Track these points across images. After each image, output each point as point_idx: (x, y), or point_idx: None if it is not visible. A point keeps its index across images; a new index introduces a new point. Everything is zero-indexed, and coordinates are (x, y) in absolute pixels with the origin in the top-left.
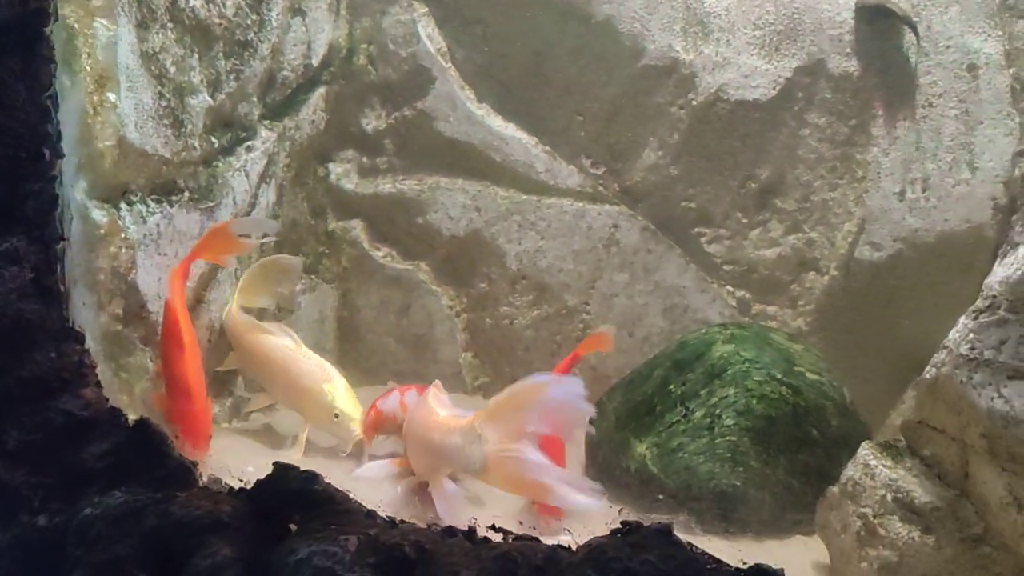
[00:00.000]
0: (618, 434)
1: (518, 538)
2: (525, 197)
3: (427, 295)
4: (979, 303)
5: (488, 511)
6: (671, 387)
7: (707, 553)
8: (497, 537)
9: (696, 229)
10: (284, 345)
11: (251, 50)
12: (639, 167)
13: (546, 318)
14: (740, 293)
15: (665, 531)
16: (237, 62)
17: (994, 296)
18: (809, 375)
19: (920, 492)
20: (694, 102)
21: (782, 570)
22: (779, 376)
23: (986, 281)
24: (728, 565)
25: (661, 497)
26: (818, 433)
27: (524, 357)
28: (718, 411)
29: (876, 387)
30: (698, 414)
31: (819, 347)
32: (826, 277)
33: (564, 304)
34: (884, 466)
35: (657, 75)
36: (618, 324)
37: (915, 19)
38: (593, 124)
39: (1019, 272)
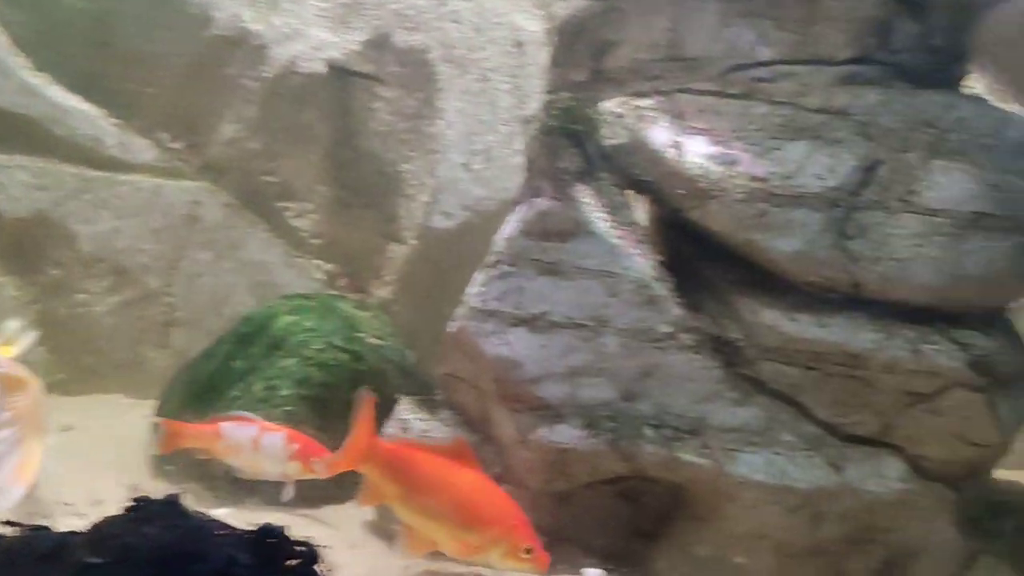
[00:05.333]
0: (184, 414)
1: (32, 528)
2: (96, 174)
3: None
4: (488, 258)
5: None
6: (235, 362)
7: (216, 520)
8: (7, 530)
9: (280, 203)
10: None
11: None
12: (218, 141)
13: (127, 303)
14: (328, 266)
15: (171, 502)
16: None
17: (499, 252)
18: (371, 340)
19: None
20: (266, 74)
21: (283, 528)
22: (339, 343)
23: (494, 238)
24: (237, 529)
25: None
26: (379, 395)
27: (106, 347)
28: (275, 382)
29: None
30: (257, 387)
31: (404, 314)
32: (406, 247)
33: (146, 287)
34: (419, 419)
35: (227, 46)
36: (205, 304)
37: None
38: (166, 96)
39: (515, 229)
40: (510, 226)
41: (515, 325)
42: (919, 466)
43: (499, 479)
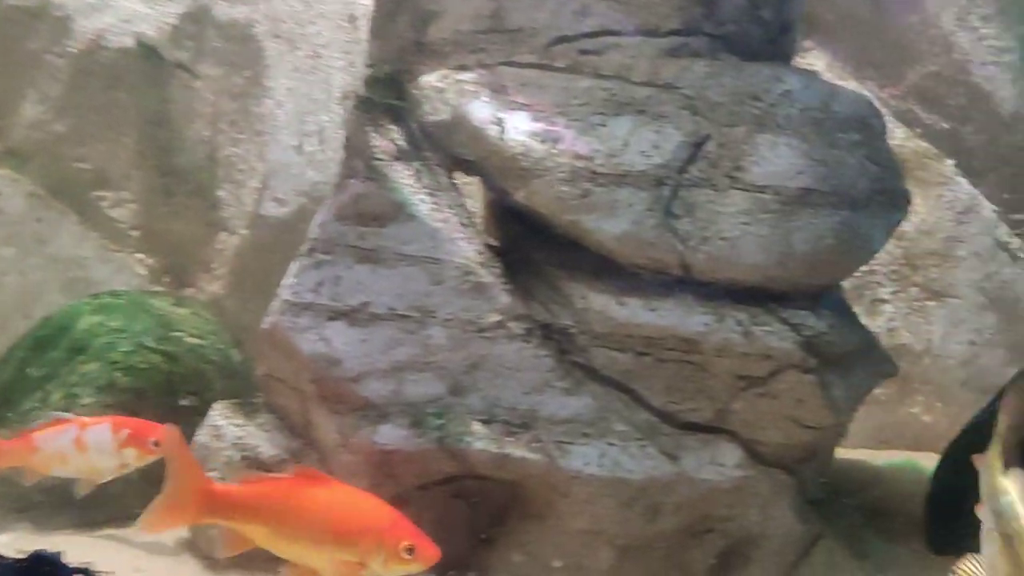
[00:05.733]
0: None
1: None
2: None
3: None
4: (302, 247)
5: None
6: (31, 369)
7: None
8: None
9: (95, 193)
10: None
11: None
12: (19, 124)
13: None
14: (150, 260)
15: None
16: None
17: (313, 239)
18: (189, 340)
19: (267, 446)
20: (72, 49)
21: (59, 552)
22: (150, 344)
23: (311, 224)
24: (6, 558)
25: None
26: (198, 399)
27: None
28: (76, 390)
29: None
30: (56, 395)
31: (236, 309)
32: (236, 237)
33: None
34: (234, 425)
35: (26, 18)
36: (10, 306)
37: None
38: None
39: (328, 213)
40: (324, 211)
41: (332, 319)
42: (755, 451)
43: None
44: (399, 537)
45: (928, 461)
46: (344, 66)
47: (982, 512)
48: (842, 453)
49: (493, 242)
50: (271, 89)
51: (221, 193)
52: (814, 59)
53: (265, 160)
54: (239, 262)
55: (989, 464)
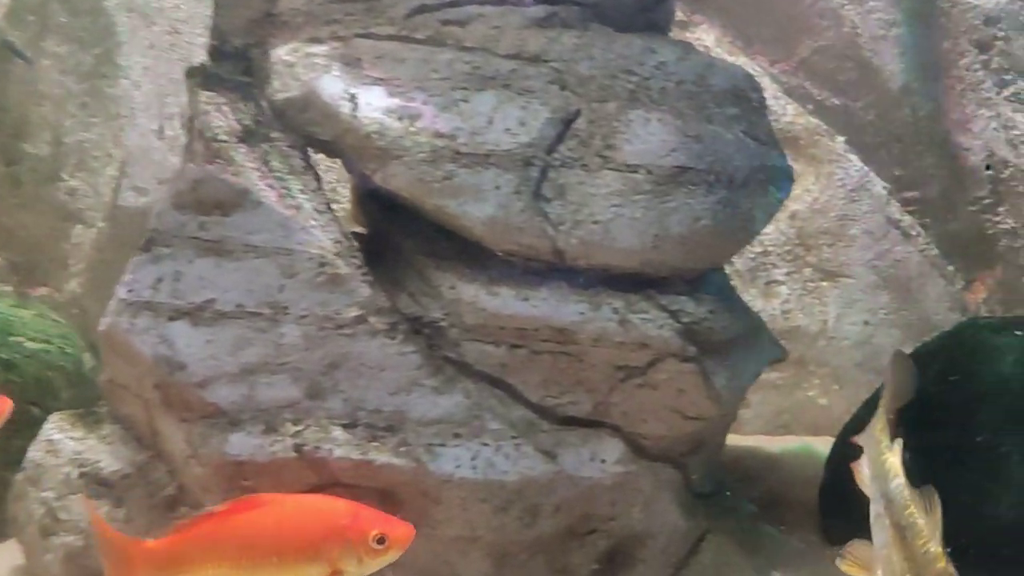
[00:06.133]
0: None
1: None
2: None
3: None
4: (140, 239)
5: None
6: None
7: None
8: None
9: None
10: None
11: None
12: None
13: None
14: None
15: None
16: None
17: (151, 230)
18: (30, 344)
19: (110, 461)
20: None
21: None
22: None
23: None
24: None
25: None
26: (40, 410)
27: None
28: None
29: None
30: None
31: (96, 309)
32: (93, 230)
33: None
34: (72, 438)
35: None
36: None
37: None
38: None
39: (166, 201)
40: (161, 199)
41: (174, 318)
42: (638, 445)
43: (174, 501)
44: (364, 530)
45: (826, 446)
46: (206, 42)
47: (867, 488)
48: (737, 441)
49: (360, 230)
50: (125, 68)
51: (74, 183)
52: (703, 34)
53: (122, 146)
54: (97, 257)
55: (875, 438)
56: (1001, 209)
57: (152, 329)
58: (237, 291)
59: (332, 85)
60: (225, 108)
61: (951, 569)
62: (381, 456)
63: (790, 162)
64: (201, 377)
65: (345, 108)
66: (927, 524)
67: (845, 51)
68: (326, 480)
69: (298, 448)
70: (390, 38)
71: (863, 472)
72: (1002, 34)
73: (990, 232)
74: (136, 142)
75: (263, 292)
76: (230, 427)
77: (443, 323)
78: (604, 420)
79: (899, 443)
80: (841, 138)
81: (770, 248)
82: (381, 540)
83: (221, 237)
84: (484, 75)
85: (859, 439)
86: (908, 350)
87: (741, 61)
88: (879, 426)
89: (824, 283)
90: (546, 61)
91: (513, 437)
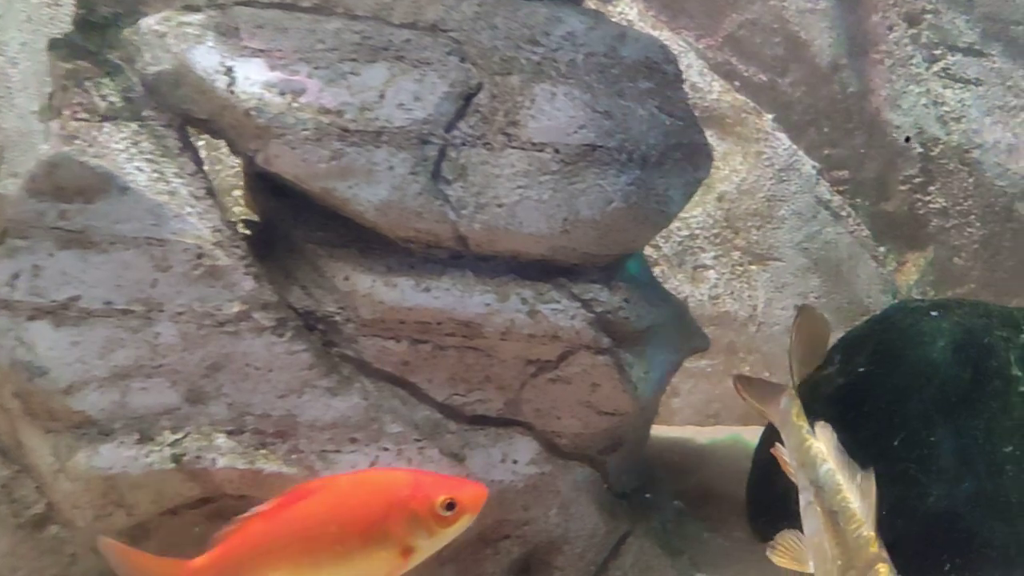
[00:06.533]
0: None
1: None
2: None
3: None
4: None
5: None
6: None
7: None
8: None
9: None
10: None
11: None
12: None
13: None
14: None
15: None
16: None
17: (7, 221)
18: None
19: None
20: None
21: None
22: None
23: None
24: None
25: None
26: None
27: None
28: None
29: None
30: None
31: None
32: None
33: None
34: None
35: None
36: None
37: None
38: None
39: (21, 189)
40: (16, 186)
41: (33, 318)
42: (552, 444)
43: (43, 519)
44: (429, 498)
45: (756, 437)
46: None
47: (794, 476)
48: (665, 432)
49: (253, 217)
50: (0, 44)
51: None
52: (626, 8)
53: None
54: None
55: (792, 425)
56: (932, 188)
57: (9, 331)
58: (104, 287)
59: (206, 57)
60: (87, 84)
61: (884, 553)
62: (270, 465)
63: (717, 141)
64: (66, 383)
65: (221, 83)
66: (860, 508)
67: (772, 25)
68: (210, 492)
69: (177, 458)
70: (272, 5)
71: (786, 457)
72: (931, 7)
73: (921, 212)
74: (14, 124)
75: (134, 287)
76: (100, 437)
77: (337, 318)
78: (515, 418)
79: (826, 426)
80: (769, 116)
81: (697, 231)
82: (450, 506)
83: (85, 227)
84: (375, 46)
85: (778, 426)
86: (839, 335)
87: (665, 36)
88: (794, 411)
89: (753, 266)
90: (444, 31)
91: (416, 440)
